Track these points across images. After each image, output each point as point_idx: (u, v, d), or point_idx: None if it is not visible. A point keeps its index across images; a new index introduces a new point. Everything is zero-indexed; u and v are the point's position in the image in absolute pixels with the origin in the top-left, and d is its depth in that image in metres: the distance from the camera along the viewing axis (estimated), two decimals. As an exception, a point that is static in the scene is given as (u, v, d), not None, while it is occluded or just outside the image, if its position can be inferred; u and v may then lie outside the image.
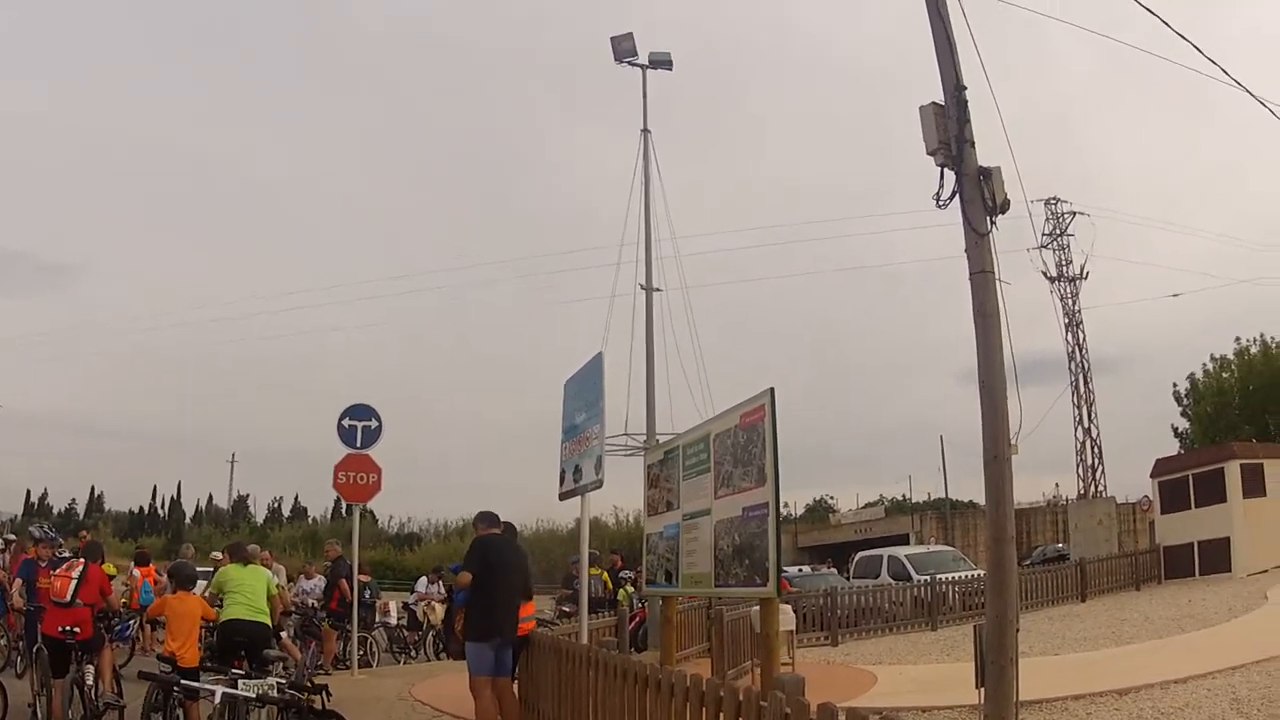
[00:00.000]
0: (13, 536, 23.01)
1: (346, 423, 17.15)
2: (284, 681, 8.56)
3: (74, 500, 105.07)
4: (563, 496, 12.19)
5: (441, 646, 21.02)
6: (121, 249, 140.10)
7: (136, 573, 18.86)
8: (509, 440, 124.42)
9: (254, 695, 8.00)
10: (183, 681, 8.75)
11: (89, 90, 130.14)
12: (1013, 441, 9.19)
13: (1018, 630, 8.81)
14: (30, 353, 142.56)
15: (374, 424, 17.25)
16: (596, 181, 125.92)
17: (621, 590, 20.51)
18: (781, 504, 9.30)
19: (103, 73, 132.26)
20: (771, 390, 9.20)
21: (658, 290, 23.51)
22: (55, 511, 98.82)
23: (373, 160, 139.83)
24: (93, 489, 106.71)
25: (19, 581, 13.99)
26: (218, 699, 7.86)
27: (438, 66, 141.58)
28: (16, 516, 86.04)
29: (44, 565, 12.02)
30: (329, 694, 8.41)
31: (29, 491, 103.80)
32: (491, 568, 10.07)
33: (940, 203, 9.37)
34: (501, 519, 11.12)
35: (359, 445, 17.12)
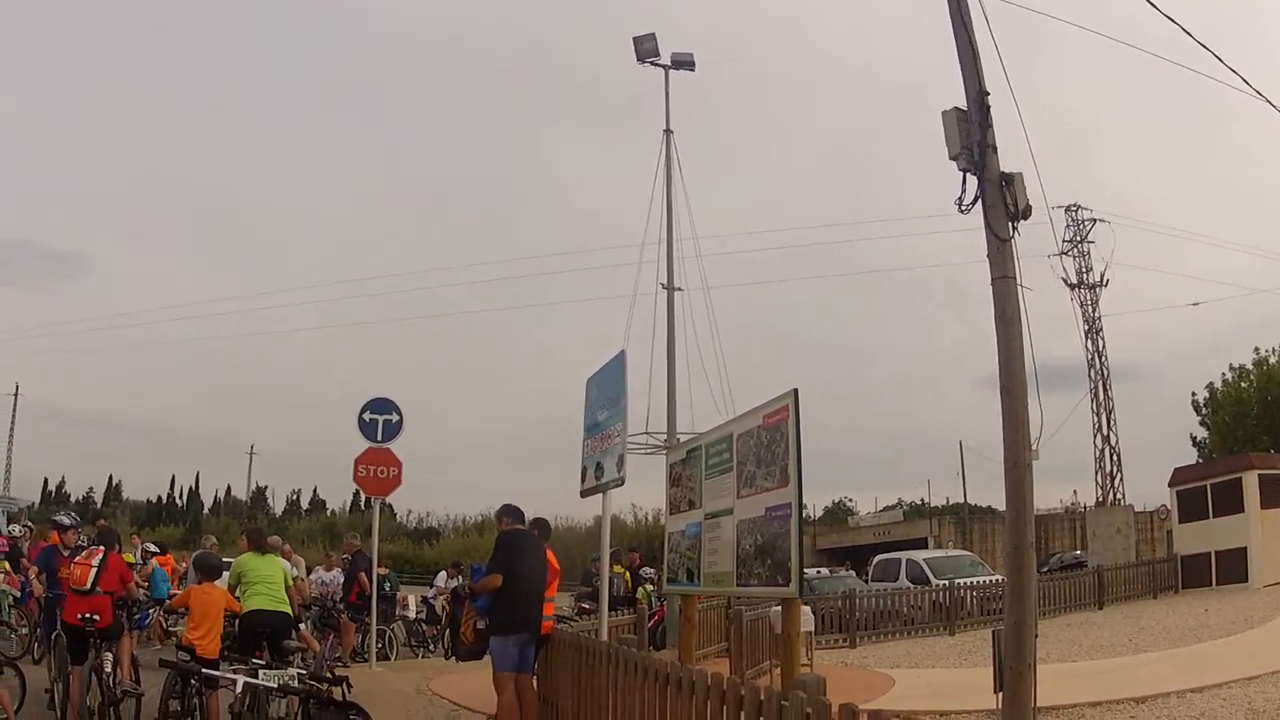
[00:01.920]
0: (30, 524, 23.21)
1: (367, 416, 17.11)
2: (305, 672, 8.60)
3: (91, 489, 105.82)
4: (584, 493, 12.23)
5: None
6: (128, 241, 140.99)
7: (155, 562, 18.93)
8: (526, 438, 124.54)
9: (275, 685, 8.02)
10: (204, 671, 8.79)
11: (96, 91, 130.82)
12: (1033, 448, 9.20)
13: (1036, 636, 8.84)
14: (46, 343, 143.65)
15: (395, 418, 17.22)
16: (615, 183, 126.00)
17: (640, 589, 20.55)
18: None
19: (119, 80, 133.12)
20: (795, 391, 9.19)
21: (679, 290, 23.62)
22: (73, 500, 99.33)
23: (386, 162, 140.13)
24: (110, 478, 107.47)
25: (35, 569, 14.15)
26: (239, 688, 7.87)
27: (450, 67, 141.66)
28: (34, 504, 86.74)
29: (66, 553, 12.09)
30: (349, 685, 8.46)
31: (46, 480, 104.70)
32: (517, 563, 10.04)
33: (962, 208, 9.38)
34: (528, 516, 11.05)
35: (379, 439, 17.08)
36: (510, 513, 10.80)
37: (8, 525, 22.69)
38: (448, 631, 22.36)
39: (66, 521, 12.11)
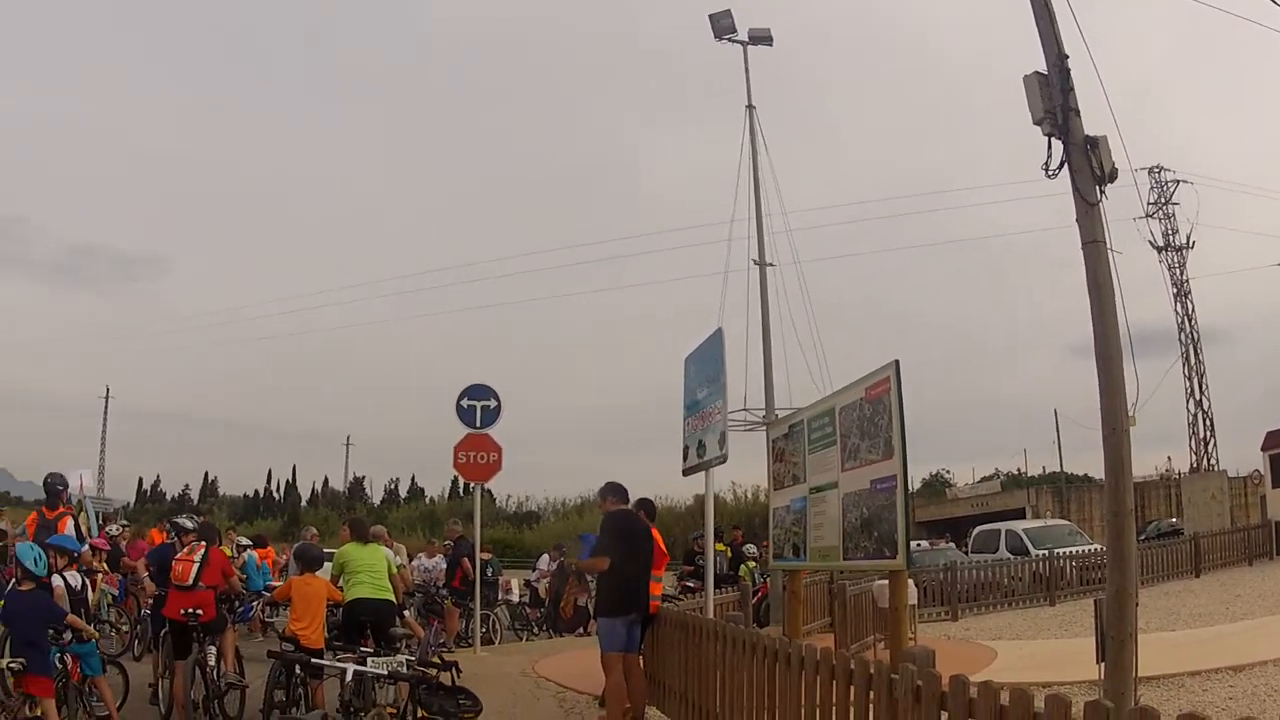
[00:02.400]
0: (127, 523, 23.74)
1: (465, 403, 17.12)
2: (413, 659, 8.73)
3: (187, 486, 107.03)
4: (686, 472, 12.28)
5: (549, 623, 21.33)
6: (207, 243, 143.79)
7: (249, 554, 19.17)
8: (622, 418, 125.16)
9: (385, 672, 8.10)
10: (311, 660, 8.94)
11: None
12: (1130, 413, 9.14)
13: (1136, 605, 8.79)
14: (134, 344, 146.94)
15: (493, 403, 17.20)
16: (704, 161, 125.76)
17: (743, 566, 20.58)
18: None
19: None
20: (896, 362, 9.10)
21: (770, 265, 23.59)
22: (168, 498, 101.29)
23: (469, 152, 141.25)
24: (206, 474, 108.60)
25: (145, 565, 14.52)
26: (349, 677, 7.90)
27: (530, 54, 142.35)
28: (129, 504, 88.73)
29: (184, 550, 12.35)
30: (459, 670, 8.58)
31: (141, 479, 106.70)
32: (624, 544, 10.06)
33: (1049, 173, 9.32)
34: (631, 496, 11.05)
35: (478, 425, 17.09)
36: (614, 491, 10.77)
37: (105, 525, 23.22)
38: (547, 606, 22.66)
39: (189, 525, 12.42)
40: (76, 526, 12.71)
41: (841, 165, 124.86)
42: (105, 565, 16.84)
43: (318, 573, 11.27)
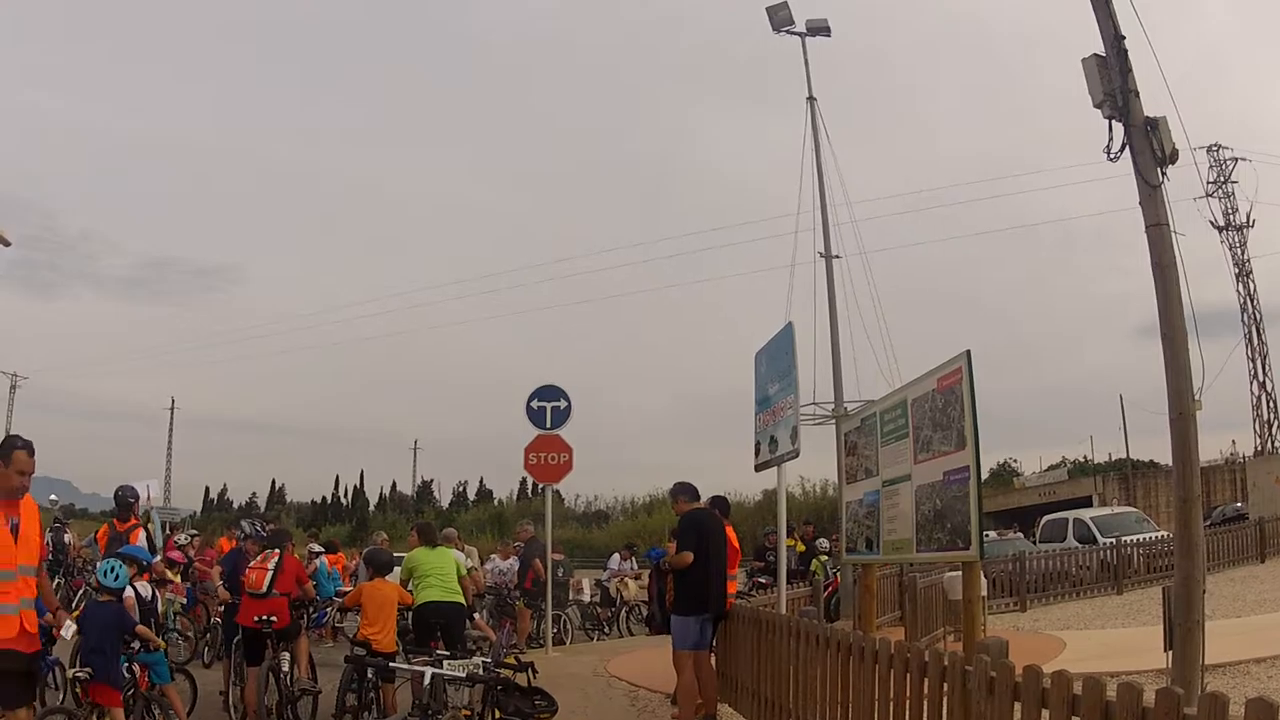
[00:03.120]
0: (195, 532, 24.10)
1: (535, 404, 17.17)
2: (489, 660, 8.79)
3: (254, 494, 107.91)
4: (759, 467, 12.29)
5: (643, 619, 21.27)
6: (272, 253, 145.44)
7: (319, 560, 19.30)
8: (690, 414, 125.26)
9: (464, 675, 8.12)
10: (388, 664, 9.00)
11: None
12: (1196, 397, 9.08)
13: (1204, 592, 8.73)
14: (202, 354, 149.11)
15: (563, 404, 17.23)
16: (767, 154, 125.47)
17: (815, 560, 20.57)
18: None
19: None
20: (968, 353, 9.06)
21: (837, 257, 23.54)
22: (235, 506, 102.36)
23: (528, 153, 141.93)
24: (273, 482, 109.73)
25: (220, 571, 14.76)
26: (428, 679, 7.84)
27: (587, 56, 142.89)
28: (195, 513, 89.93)
29: (253, 560, 12.48)
30: (535, 671, 8.64)
31: (208, 488, 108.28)
32: (704, 542, 10.10)
33: (1111, 156, 9.36)
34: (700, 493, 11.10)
35: (548, 426, 17.12)
36: (685, 490, 10.85)
37: (172, 535, 23.59)
38: (624, 610, 22.70)
39: (248, 529, 12.60)
40: (149, 538, 12.90)
41: (903, 153, 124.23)
42: (178, 576, 17.12)
43: (387, 577, 11.38)
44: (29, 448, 6.42)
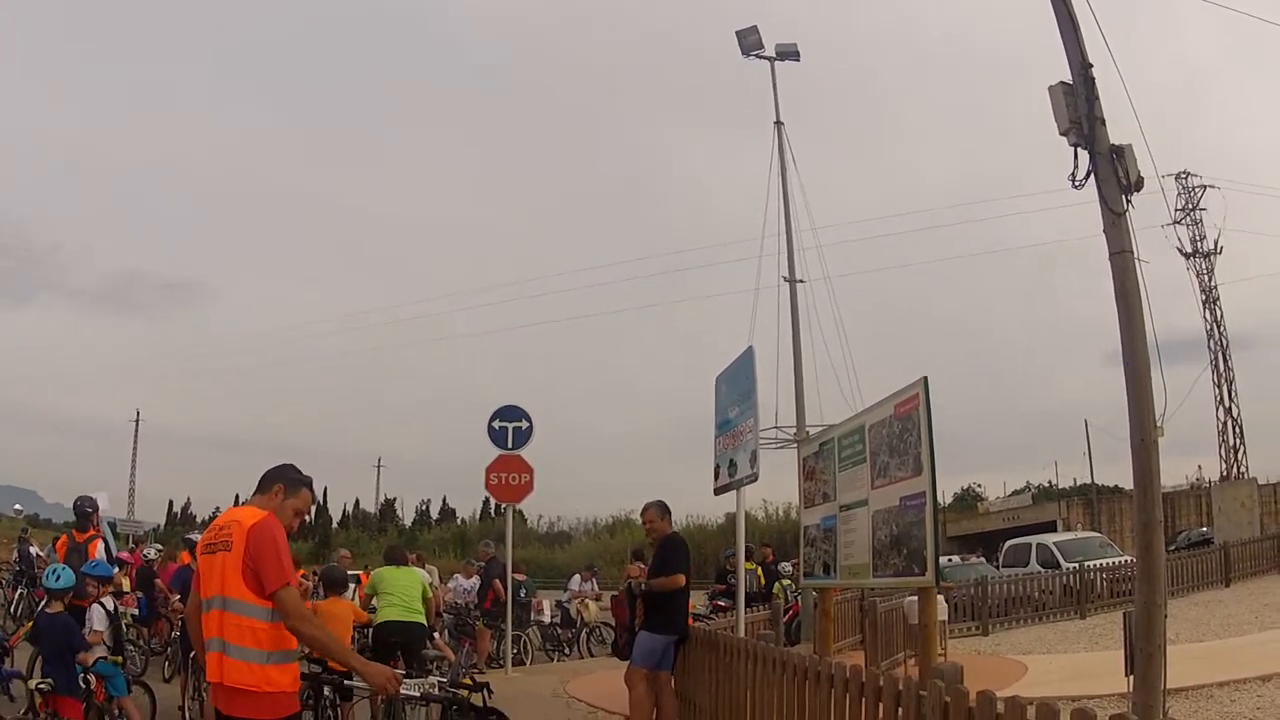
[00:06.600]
0: (160, 546, 23.87)
1: (497, 424, 17.14)
2: (445, 680, 8.72)
3: (218, 508, 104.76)
4: (718, 491, 12.30)
5: (610, 644, 21.14)
6: (240, 270, 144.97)
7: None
8: (650, 438, 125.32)
9: (418, 694, 8.10)
10: (344, 682, 8.94)
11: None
12: (1158, 424, 9.11)
13: (1166, 617, 8.73)
14: (167, 368, 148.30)
15: (525, 424, 17.21)
16: (733, 178, 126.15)
17: (777, 584, 20.53)
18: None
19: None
20: (925, 379, 9.12)
21: (800, 282, 23.63)
22: (198, 520, 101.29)
23: (495, 173, 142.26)
24: (237, 496, 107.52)
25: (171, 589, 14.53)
26: (381, 698, 7.99)
27: (555, 78, 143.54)
28: (159, 526, 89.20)
29: None
30: (490, 691, 8.58)
31: (171, 502, 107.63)
32: (687, 565, 10.16)
33: (1076, 183, 9.39)
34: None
35: (510, 446, 17.10)
36: (667, 510, 10.80)
37: (138, 548, 23.36)
38: (585, 632, 22.51)
39: (195, 539, 12.50)
40: (107, 549, 12.76)
41: (870, 178, 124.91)
42: (129, 579, 16.95)
43: (343, 595, 11.29)
44: None
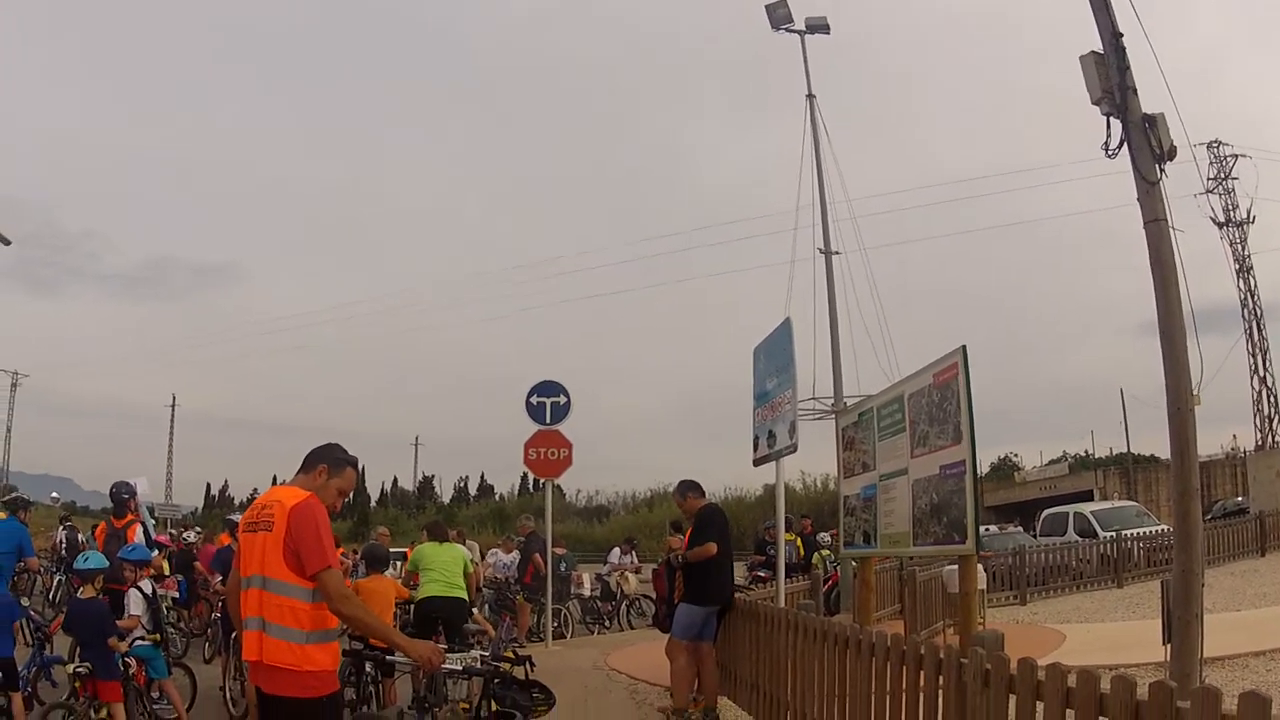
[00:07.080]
0: (200, 529, 24.10)
1: (535, 399, 17.20)
2: (486, 654, 8.82)
3: (255, 490, 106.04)
4: (757, 462, 12.32)
5: (652, 617, 21.28)
6: (272, 252, 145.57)
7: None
8: (690, 411, 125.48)
9: (459, 668, 8.17)
10: (385, 658, 9.06)
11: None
12: (1194, 392, 9.11)
13: (1203, 585, 8.75)
14: (204, 352, 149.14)
15: (563, 400, 17.28)
16: (768, 152, 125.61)
17: (816, 554, 20.59)
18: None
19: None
20: (964, 348, 9.07)
21: (836, 254, 23.57)
22: (236, 502, 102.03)
23: (525, 153, 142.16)
24: (274, 477, 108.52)
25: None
26: (423, 673, 8.13)
27: (587, 56, 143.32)
28: (196, 509, 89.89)
29: None
30: (533, 664, 8.68)
31: (209, 485, 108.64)
32: (724, 534, 10.24)
33: (1109, 152, 9.35)
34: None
35: (548, 421, 17.17)
36: (694, 488, 10.98)
37: (181, 533, 23.59)
38: (625, 605, 22.65)
39: (237, 520, 12.66)
40: (146, 533, 12.91)
41: (907, 150, 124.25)
42: (166, 563, 17.19)
43: (385, 572, 11.39)
44: None
